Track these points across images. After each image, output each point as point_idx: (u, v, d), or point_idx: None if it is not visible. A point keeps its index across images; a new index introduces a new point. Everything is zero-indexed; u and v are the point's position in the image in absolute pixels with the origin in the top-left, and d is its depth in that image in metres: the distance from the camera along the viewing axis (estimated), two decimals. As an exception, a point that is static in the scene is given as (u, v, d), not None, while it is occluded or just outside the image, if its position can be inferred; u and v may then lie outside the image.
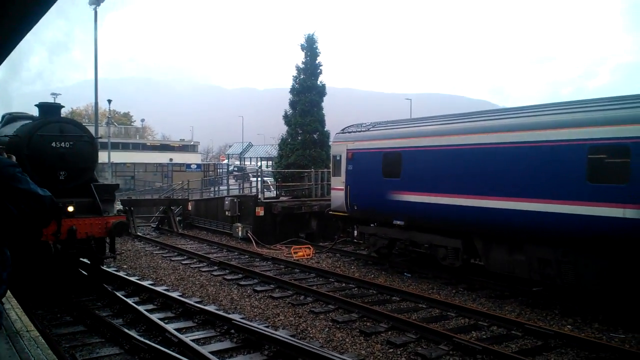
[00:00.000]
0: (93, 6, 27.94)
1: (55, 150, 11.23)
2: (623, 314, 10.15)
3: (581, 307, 10.84)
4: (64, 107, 12.83)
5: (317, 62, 27.96)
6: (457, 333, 9.11)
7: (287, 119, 28.15)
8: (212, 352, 7.80)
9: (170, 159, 65.29)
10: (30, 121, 12.07)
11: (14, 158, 4.64)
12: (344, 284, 13.37)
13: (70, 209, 10.81)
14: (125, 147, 67.52)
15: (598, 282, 10.16)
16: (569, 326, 9.92)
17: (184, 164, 62.21)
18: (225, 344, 8.47)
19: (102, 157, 27.70)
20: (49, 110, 12.33)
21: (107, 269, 13.97)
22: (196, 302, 10.74)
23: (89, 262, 12.56)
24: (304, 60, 28.05)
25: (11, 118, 13.15)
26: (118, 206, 12.04)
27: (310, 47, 28.02)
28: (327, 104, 28.57)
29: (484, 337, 9.24)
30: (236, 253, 18.45)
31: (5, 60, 8.86)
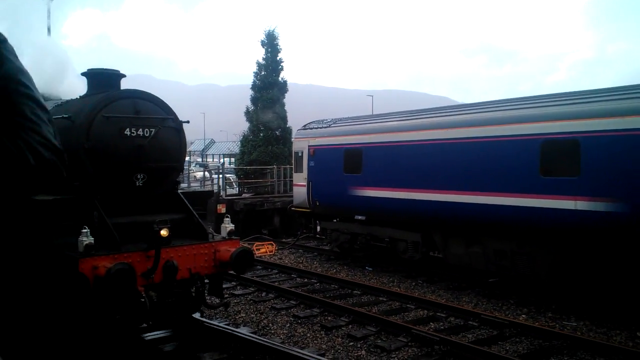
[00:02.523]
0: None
1: (130, 140, 7.19)
2: (575, 303, 10.53)
3: (535, 297, 11.19)
4: (124, 76, 8.28)
5: (278, 58, 27.92)
6: (415, 325, 9.28)
7: (248, 115, 28.03)
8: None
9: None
10: (80, 98, 8.05)
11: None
12: (306, 280, 13.42)
13: (164, 232, 6.62)
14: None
15: (551, 272, 10.51)
16: (523, 315, 10.22)
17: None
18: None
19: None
20: (106, 80, 7.90)
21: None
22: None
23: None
24: (264, 57, 27.97)
25: None
26: (228, 225, 7.80)
27: (271, 44, 27.95)
28: (289, 101, 28.59)
29: (442, 328, 9.44)
30: (198, 251, 18.20)
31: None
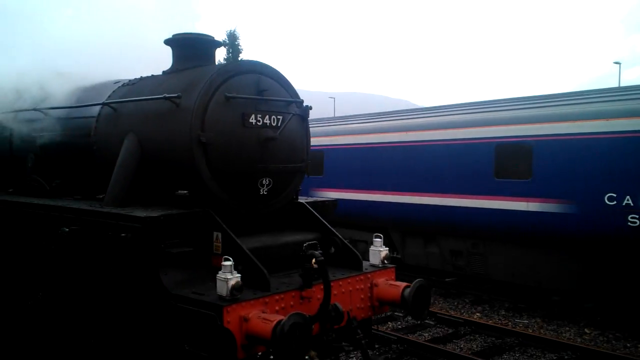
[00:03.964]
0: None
1: (255, 132, 5.18)
2: (527, 301, 10.88)
3: (489, 296, 11.50)
4: (221, 44, 6.49)
5: (239, 59, 27.79)
6: (374, 324, 9.41)
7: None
8: None
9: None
10: (166, 74, 5.99)
11: None
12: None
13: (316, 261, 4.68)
14: None
15: (505, 271, 10.85)
16: (478, 314, 10.50)
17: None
18: None
19: None
20: (199, 49, 5.89)
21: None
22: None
23: None
24: (225, 57, 27.81)
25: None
26: (381, 248, 5.78)
27: (232, 44, 27.82)
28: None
29: (399, 327, 9.60)
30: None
31: None
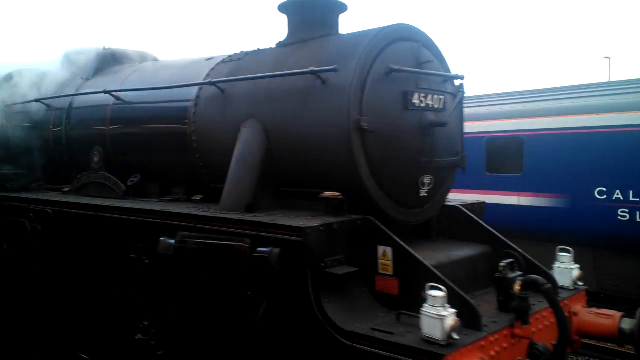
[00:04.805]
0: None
1: (417, 116, 4.07)
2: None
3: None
4: (346, 8, 4.89)
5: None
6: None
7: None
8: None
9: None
10: (282, 46, 4.77)
11: None
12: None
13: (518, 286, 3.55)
14: None
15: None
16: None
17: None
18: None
19: None
20: (321, 17, 4.68)
21: None
22: None
23: None
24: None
25: (116, 55, 6.71)
26: (571, 265, 4.41)
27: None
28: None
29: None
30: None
31: None
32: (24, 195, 6.25)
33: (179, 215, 4.22)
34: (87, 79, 6.46)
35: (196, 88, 4.92)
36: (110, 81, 6.02)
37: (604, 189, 8.69)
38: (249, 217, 3.82)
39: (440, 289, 3.08)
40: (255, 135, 4.26)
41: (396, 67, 3.87)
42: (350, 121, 3.76)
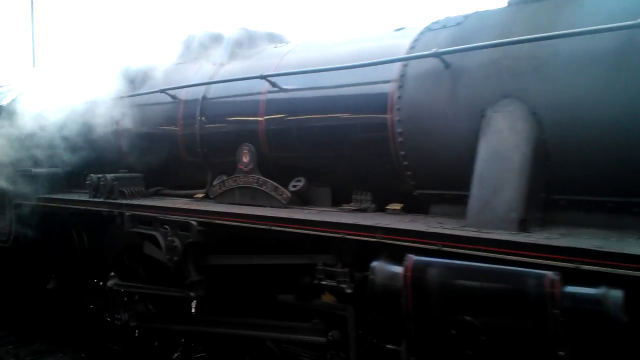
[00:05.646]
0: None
1: None
2: None
3: None
4: None
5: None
6: None
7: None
8: None
9: None
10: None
11: None
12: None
13: None
14: None
15: None
16: None
17: None
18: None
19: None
20: None
21: None
22: None
23: None
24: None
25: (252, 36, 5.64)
26: None
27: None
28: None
29: None
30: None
31: None
32: (150, 202, 5.25)
33: (419, 234, 3.04)
34: (222, 64, 5.39)
35: (397, 66, 3.76)
36: (257, 65, 4.93)
37: None
38: (558, 241, 2.62)
39: None
40: (518, 122, 3.07)
41: None
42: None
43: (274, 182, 4.46)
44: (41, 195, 6.48)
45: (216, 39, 5.83)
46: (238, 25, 5.85)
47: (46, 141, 6.96)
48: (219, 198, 4.91)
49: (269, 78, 4.51)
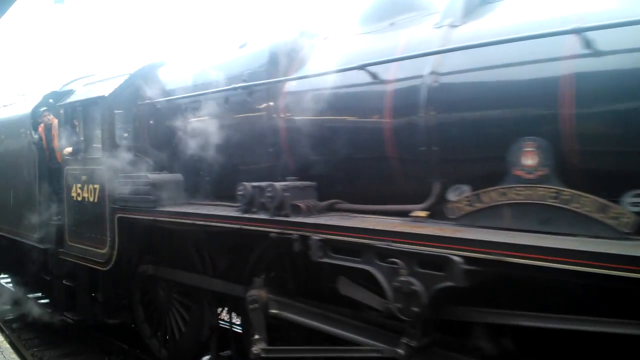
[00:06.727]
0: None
1: None
2: None
3: None
4: None
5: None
6: None
7: None
8: None
9: None
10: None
11: None
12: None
13: None
14: None
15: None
16: None
17: None
18: None
19: None
20: None
21: None
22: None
23: None
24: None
25: None
26: None
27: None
28: None
29: None
30: None
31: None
32: (349, 223, 3.60)
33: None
34: (453, 26, 3.73)
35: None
36: (516, 24, 3.28)
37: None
38: None
39: None
40: None
41: None
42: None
43: (597, 198, 2.74)
44: (165, 209, 4.95)
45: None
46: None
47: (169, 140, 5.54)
48: (466, 219, 3.21)
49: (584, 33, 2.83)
